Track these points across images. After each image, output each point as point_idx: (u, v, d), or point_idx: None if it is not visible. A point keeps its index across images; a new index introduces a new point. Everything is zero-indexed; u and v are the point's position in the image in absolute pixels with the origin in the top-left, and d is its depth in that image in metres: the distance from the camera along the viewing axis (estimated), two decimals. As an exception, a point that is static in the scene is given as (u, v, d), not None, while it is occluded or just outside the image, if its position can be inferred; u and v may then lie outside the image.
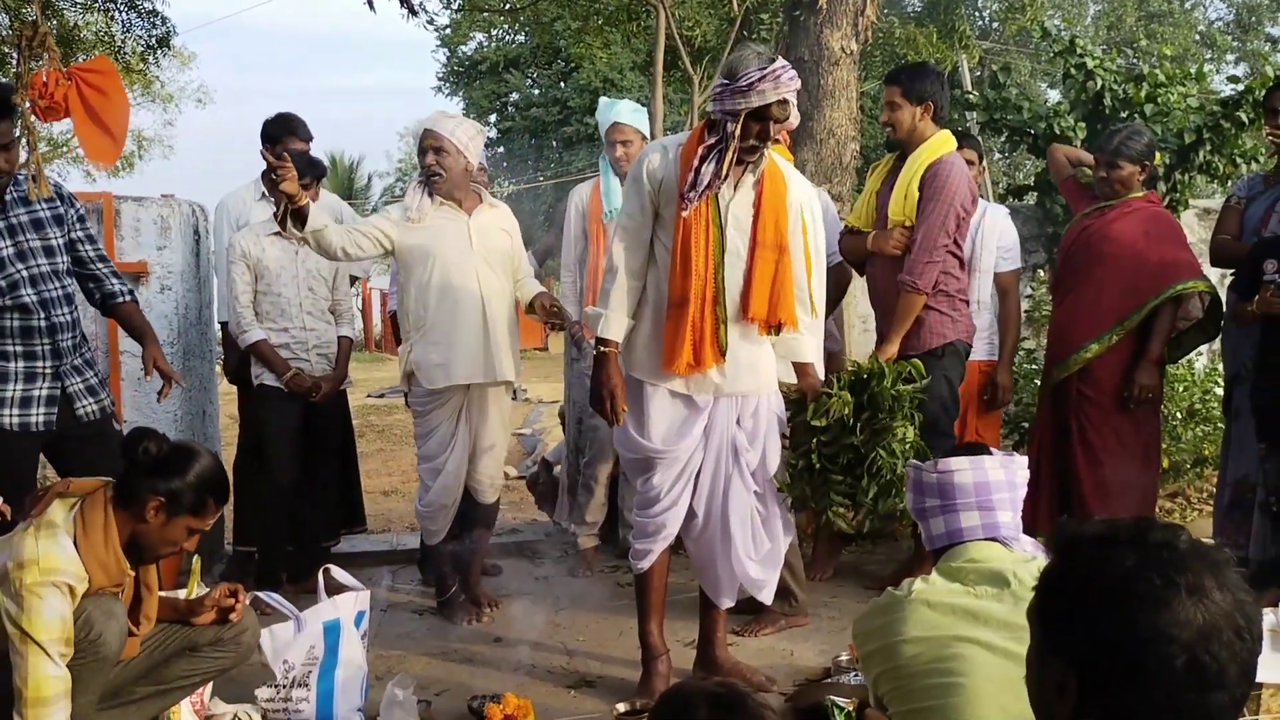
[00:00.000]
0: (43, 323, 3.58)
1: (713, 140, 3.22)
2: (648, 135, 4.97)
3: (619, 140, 4.84)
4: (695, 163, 3.22)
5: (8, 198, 3.56)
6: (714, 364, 3.31)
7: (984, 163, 4.60)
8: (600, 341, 3.37)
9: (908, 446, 3.34)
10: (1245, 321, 4.21)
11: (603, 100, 5.10)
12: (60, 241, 3.68)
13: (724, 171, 3.22)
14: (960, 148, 4.38)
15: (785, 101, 3.18)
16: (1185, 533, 1.31)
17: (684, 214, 3.24)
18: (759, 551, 3.55)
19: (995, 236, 4.67)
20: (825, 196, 4.80)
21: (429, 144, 4.15)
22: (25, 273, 3.55)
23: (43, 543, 2.56)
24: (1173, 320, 4.44)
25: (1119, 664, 1.23)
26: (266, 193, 4.86)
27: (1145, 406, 4.44)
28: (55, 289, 3.64)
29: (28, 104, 3.38)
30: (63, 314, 3.64)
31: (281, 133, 4.79)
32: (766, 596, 3.68)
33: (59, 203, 3.70)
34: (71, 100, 3.38)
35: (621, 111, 4.88)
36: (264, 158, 3.84)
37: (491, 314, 4.16)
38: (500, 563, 5.15)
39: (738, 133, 3.18)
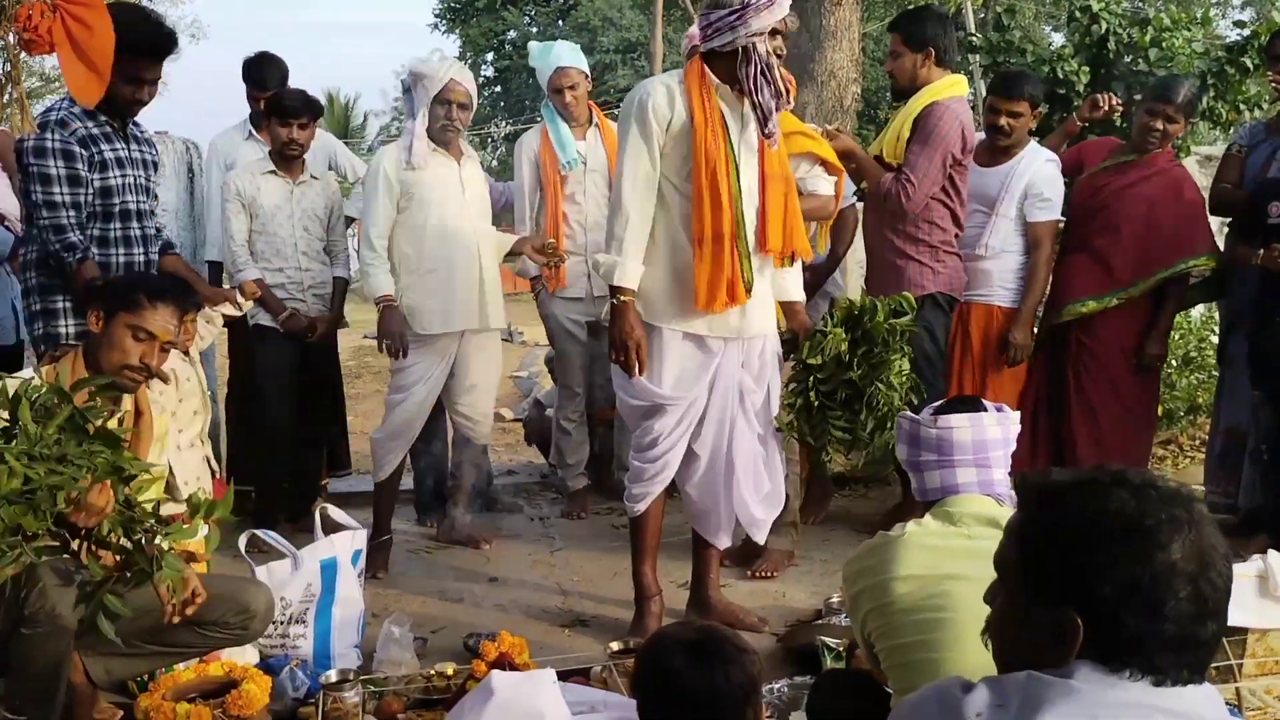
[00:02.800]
0: (140, 258, 3.74)
1: (749, 69, 3.17)
2: (588, 74, 4.91)
3: (566, 86, 4.73)
4: (751, 98, 3.19)
5: (129, 131, 3.74)
6: (744, 301, 3.29)
7: (1036, 111, 4.40)
8: (616, 290, 3.29)
9: (904, 379, 3.33)
10: (1245, 262, 4.19)
11: (535, 46, 4.91)
12: (152, 185, 3.87)
13: (783, 89, 3.21)
14: (1013, 97, 4.31)
15: (792, 12, 3.24)
16: (1151, 472, 1.37)
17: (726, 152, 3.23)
18: (760, 492, 3.58)
19: (1024, 181, 4.37)
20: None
21: (458, 97, 4.19)
22: (134, 205, 3.71)
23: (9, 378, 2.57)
24: (1183, 291, 4.43)
25: (1133, 602, 1.27)
26: (254, 132, 4.84)
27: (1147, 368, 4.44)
28: (150, 227, 3.83)
29: (12, 37, 3.33)
30: (152, 253, 3.82)
31: (258, 73, 4.82)
32: (761, 536, 3.71)
33: (151, 148, 3.88)
34: (56, 34, 3.32)
35: (563, 55, 4.75)
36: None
37: (485, 262, 4.27)
38: (501, 501, 5.19)
39: (769, 49, 3.17)
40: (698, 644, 1.97)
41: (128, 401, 2.95)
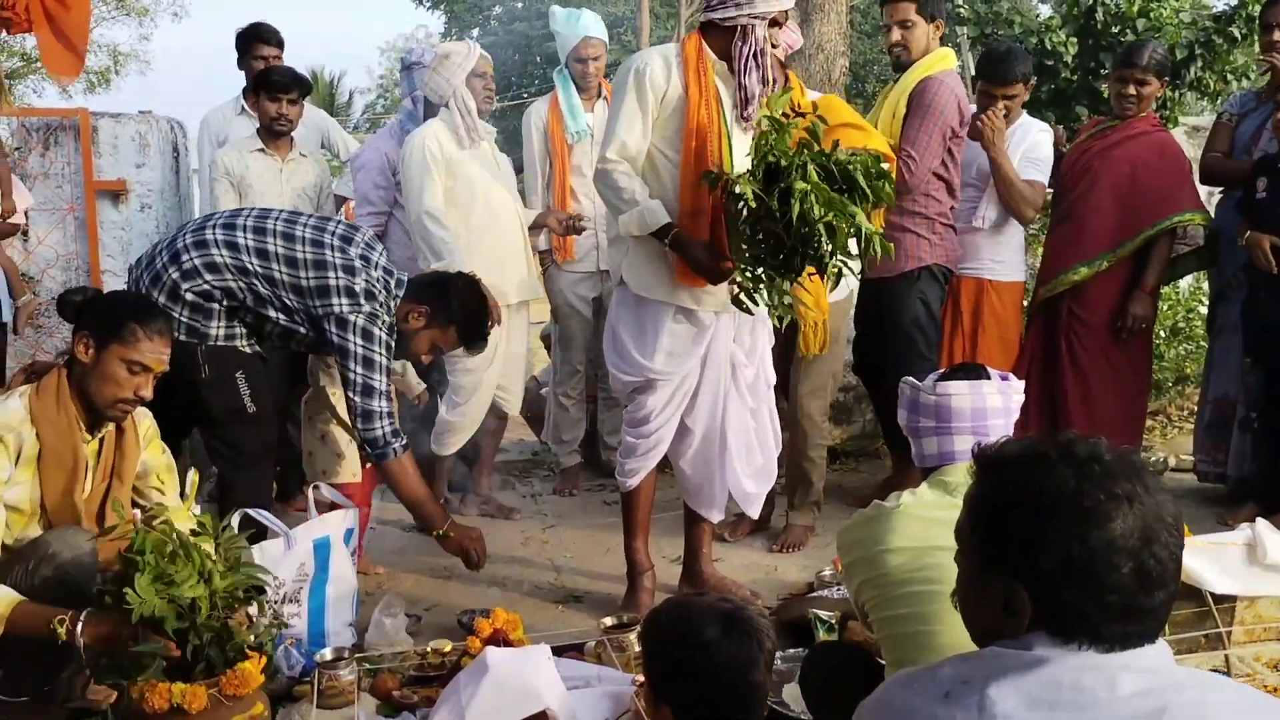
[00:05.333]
0: None
1: (742, 48, 3.16)
2: (608, 46, 4.90)
3: (590, 56, 4.71)
4: (738, 78, 3.18)
5: None
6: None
7: (1028, 85, 4.37)
8: (662, 231, 3.18)
9: (829, 203, 2.94)
10: (1241, 235, 4.19)
11: (560, 11, 4.85)
12: None
13: (770, 78, 3.20)
14: (1007, 82, 4.27)
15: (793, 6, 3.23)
16: (1104, 442, 1.37)
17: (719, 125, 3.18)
18: (752, 465, 3.58)
19: (1019, 153, 4.35)
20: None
21: (487, 70, 4.29)
22: None
23: None
24: (1169, 251, 4.41)
25: (1074, 577, 1.29)
26: (246, 107, 4.81)
27: (1137, 335, 4.44)
28: None
29: (-9, 16, 3.30)
30: None
31: (252, 40, 4.81)
32: (754, 510, 3.72)
33: None
34: (34, 11, 3.29)
35: (589, 24, 4.72)
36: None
37: (526, 235, 4.39)
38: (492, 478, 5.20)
39: (768, 37, 3.16)
40: (731, 616, 1.98)
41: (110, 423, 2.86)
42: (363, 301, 3.35)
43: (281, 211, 3.55)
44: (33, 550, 2.62)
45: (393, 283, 3.47)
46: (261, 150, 4.42)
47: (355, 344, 3.34)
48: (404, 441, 3.42)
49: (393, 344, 3.45)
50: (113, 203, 5.20)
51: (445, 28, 29.55)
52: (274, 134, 4.41)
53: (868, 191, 2.96)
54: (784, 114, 3.05)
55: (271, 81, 4.35)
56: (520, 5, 28.12)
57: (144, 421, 2.98)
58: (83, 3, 3.35)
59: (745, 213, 3.02)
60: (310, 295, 3.36)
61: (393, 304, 3.45)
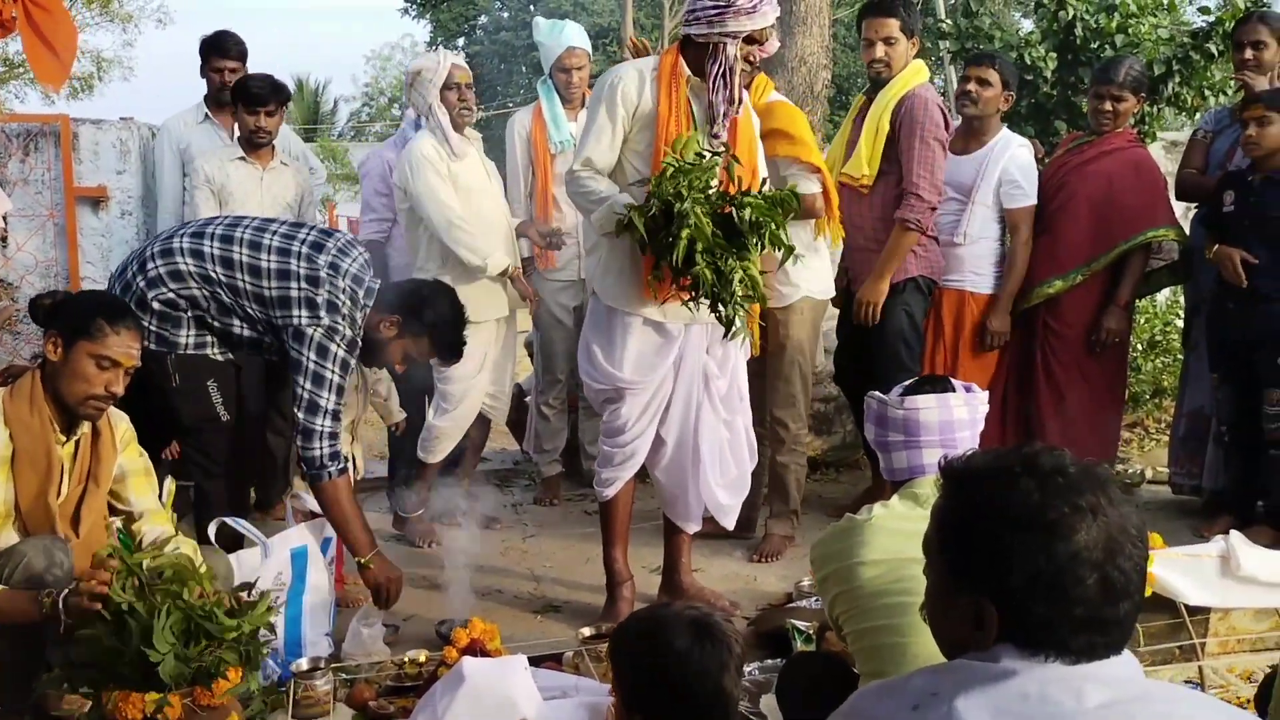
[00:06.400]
0: None
1: (712, 66, 3.19)
2: (592, 56, 4.91)
3: (574, 66, 4.72)
4: (707, 95, 3.22)
5: None
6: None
7: (1006, 91, 4.43)
8: (627, 209, 3.16)
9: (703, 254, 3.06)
10: (1209, 249, 4.23)
11: (543, 22, 4.86)
12: None
13: (736, 97, 3.23)
14: (980, 64, 4.40)
15: (774, 25, 3.26)
16: (1068, 454, 1.38)
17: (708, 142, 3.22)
18: (726, 477, 3.59)
19: (998, 168, 4.38)
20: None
21: (463, 78, 4.28)
22: None
23: None
24: (1143, 266, 4.45)
25: (1040, 591, 1.29)
26: (210, 115, 4.76)
27: (1111, 348, 4.47)
28: None
29: (-22, 22, 3.29)
30: None
31: (211, 52, 4.75)
32: (730, 521, 3.72)
33: None
34: (20, 18, 3.29)
35: (572, 35, 4.73)
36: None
37: (506, 251, 4.38)
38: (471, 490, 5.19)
39: (739, 55, 3.18)
40: (700, 624, 1.99)
41: (85, 424, 2.85)
42: (323, 315, 3.30)
43: (254, 220, 3.53)
44: (7, 558, 2.61)
45: (361, 292, 3.40)
46: (242, 159, 4.41)
47: (308, 359, 3.29)
48: (341, 466, 3.34)
49: (351, 360, 3.39)
50: (93, 209, 5.19)
51: (431, 36, 29.55)
52: (254, 145, 4.40)
53: (756, 239, 3.08)
54: (697, 154, 3.12)
55: (250, 94, 4.33)
56: (506, 15, 28.16)
57: (121, 425, 2.98)
58: (64, 10, 3.35)
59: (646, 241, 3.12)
60: (272, 305, 3.35)
61: (359, 315, 3.40)
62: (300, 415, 3.29)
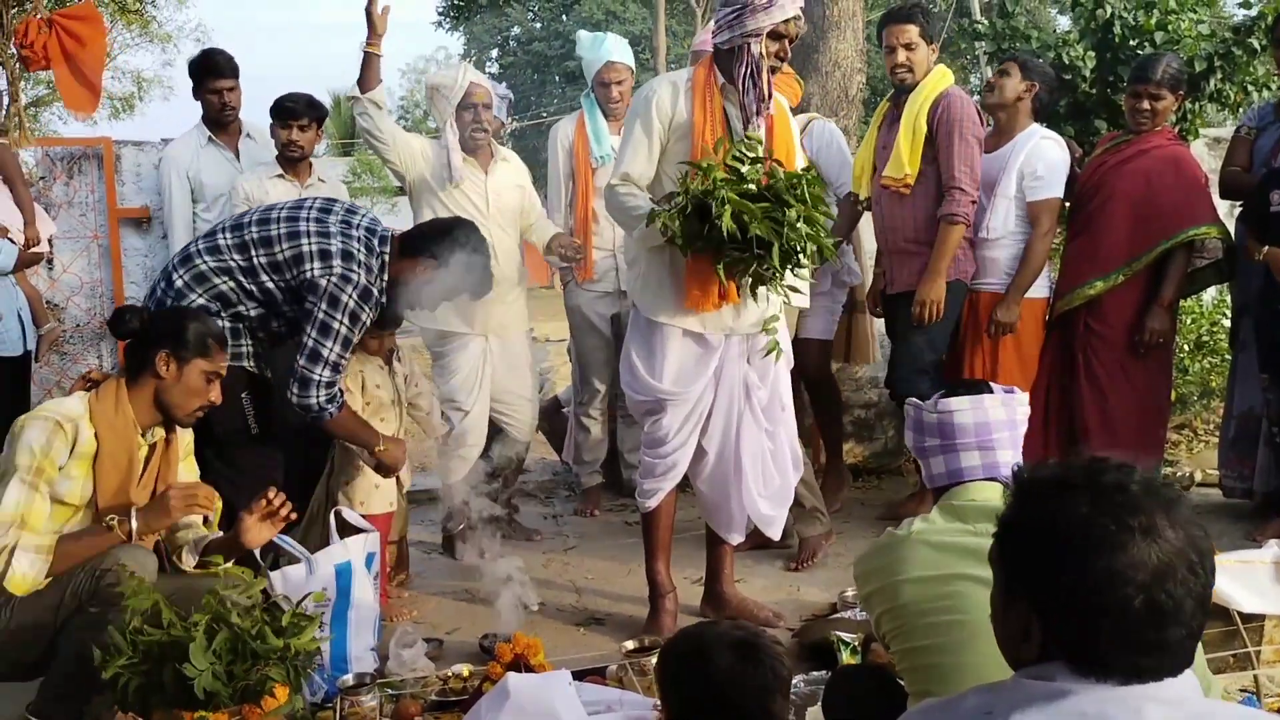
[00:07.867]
0: None
1: (739, 68, 3.20)
2: (634, 70, 4.91)
3: (614, 80, 4.72)
4: (739, 98, 3.22)
5: None
6: (735, 300, 3.30)
7: (1031, 87, 4.40)
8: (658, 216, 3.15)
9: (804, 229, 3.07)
10: (1250, 256, 4.17)
11: (586, 36, 4.88)
12: None
13: (767, 94, 3.22)
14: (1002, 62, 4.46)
15: (799, 16, 3.22)
16: (1137, 471, 1.33)
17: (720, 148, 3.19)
18: (769, 488, 3.58)
19: (1020, 159, 4.34)
20: (833, 127, 4.75)
21: (480, 98, 4.25)
22: None
23: (51, 401, 2.86)
24: (1186, 264, 4.38)
25: (1078, 607, 1.27)
26: (214, 137, 4.73)
27: (1155, 349, 4.40)
28: None
29: (12, 52, 3.35)
30: None
31: (204, 73, 4.62)
32: (775, 532, 3.71)
33: None
34: (51, 49, 3.36)
35: (613, 49, 4.74)
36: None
37: (499, 275, 4.22)
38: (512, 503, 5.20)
39: (763, 51, 3.18)
40: (746, 643, 1.98)
41: (159, 430, 3.01)
42: (335, 262, 3.38)
43: (260, 208, 3.66)
44: (101, 560, 2.71)
45: (375, 240, 3.49)
46: (281, 176, 4.45)
47: (319, 308, 3.38)
48: (340, 401, 3.48)
49: (363, 313, 3.43)
50: (136, 230, 5.26)
51: (465, 49, 29.78)
52: (289, 160, 4.43)
53: (793, 201, 3.02)
54: (735, 157, 3.11)
55: (284, 109, 4.37)
56: (539, 26, 28.30)
57: (186, 435, 3.12)
58: (98, 40, 3.40)
59: (680, 240, 3.10)
60: (288, 268, 3.43)
61: (374, 262, 3.46)
62: (300, 362, 3.39)
